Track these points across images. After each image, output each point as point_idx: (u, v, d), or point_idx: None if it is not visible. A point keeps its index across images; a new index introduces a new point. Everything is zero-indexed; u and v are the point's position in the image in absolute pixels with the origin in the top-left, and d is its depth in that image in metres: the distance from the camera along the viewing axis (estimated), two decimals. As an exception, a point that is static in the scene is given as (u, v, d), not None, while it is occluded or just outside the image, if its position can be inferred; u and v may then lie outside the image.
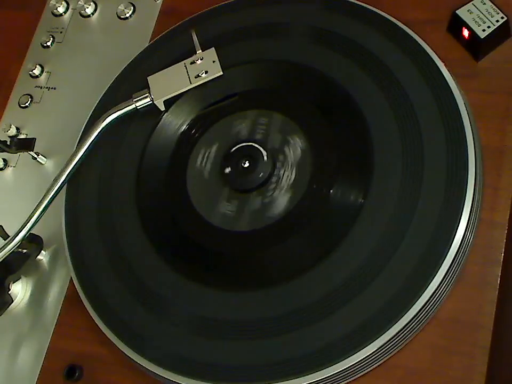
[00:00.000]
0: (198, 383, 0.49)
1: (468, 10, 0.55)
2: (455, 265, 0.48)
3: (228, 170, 0.56)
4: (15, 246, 0.55)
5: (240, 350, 0.49)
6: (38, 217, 0.56)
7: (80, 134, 0.62)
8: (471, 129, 0.50)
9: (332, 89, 0.56)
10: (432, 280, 0.46)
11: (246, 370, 0.49)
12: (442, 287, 0.47)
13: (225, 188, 0.56)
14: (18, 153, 0.66)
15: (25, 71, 0.71)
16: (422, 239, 0.48)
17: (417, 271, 0.47)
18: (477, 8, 0.55)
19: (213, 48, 0.59)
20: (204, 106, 0.60)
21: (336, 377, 0.47)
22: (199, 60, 0.59)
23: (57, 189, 0.57)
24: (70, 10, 0.73)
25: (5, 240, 0.56)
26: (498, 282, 0.48)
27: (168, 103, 0.59)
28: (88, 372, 0.55)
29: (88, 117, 0.63)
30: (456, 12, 0.55)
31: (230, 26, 0.62)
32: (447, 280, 0.47)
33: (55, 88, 0.70)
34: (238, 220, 0.54)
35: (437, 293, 0.47)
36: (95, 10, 0.72)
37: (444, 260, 0.47)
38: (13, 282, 0.59)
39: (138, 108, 0.59)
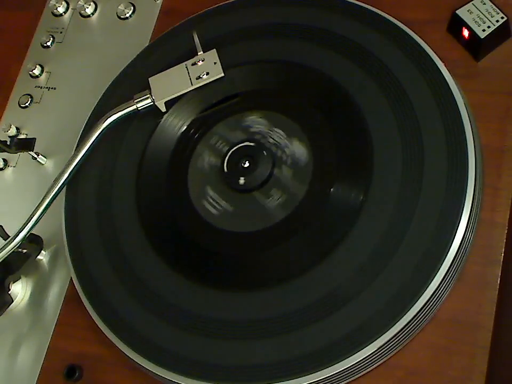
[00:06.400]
0: (198, 383, 0.49)
1: (468, 10, 0.55)
2: (455, 265, 0.48)
3: (228, 170, 0.56)
4: (15, 246, 0.55)
5: (240, 350, 0.49)
6: (38, 218, 0.56)
7: (80, 134, 0.62)
8: (471, 129, 0.50)
9: (332, 89, 0.56)
10: (432, 280, 0.47)
11: (246, 370, 0.49)
12: (442, 287, 0.47)
13: (226, 188, 0.56)
14: (18, 153, 0.66)
15: (25, 71, 0.71)
16: (422, 239, 0.48)
17: (417, 271, 0.47)
18: (477, 8, 0.55)
19: (214, 49, 0.59)
20: (205, 108, 0.60)
21: (336, 377, 0.47)
22: (200, 61, 0.59)
23: (57, 190, 0.57)
24: (70, 10, 0.73)
25: (5, 240, 0.56)
26: (498, 282, 0.48)
27: (169, 104, 0.59)
28: (88, 372, 0.55)
29: (88, 117, 0.63)
30: (456, 11, 0.55)
31: (230, 26, 0.62)
32: (447, 280, 0.47)
33: (55, 88, 0.70)
34: (239, 220, 0.54)
35: (437, 293, 0.47)
36: (95, 10, 0.72)
37: (444, 260, 0.47)
38: (13, 282, 0.59)
39: (139, 108, 0.59)
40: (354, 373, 0.48)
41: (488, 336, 0.47)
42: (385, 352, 0.47)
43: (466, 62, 0.56)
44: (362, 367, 0.48)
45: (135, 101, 0.58)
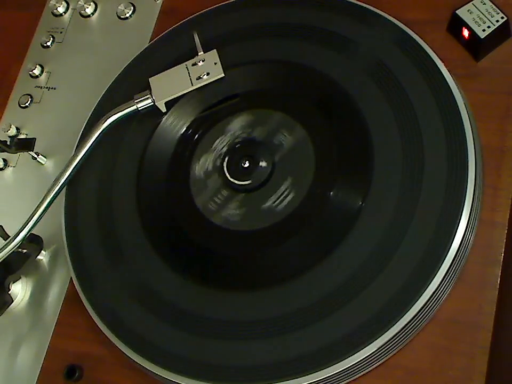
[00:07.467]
0: (198, 383, 0.49)
1: (468, 10, 0.55)
2: (455, 265, 0.48)
3: (228, 170, 0.56)
4: (15, 246, 0.55)
5: (239, 350, 0.49)
6: (38, 218, 0.56)
7: (80, 134, 0.62)
8: (471, 129, 0.50)
9: (332, 90, 0.56)
10: (432, 280, 0.47)
11: (246, 370, 0.49)
12: (442, 287, 0.47)
13: (226, 188, 0.56)
14: (18, 153, 0.66)
15: (25, 71, 0.71)
16: (422, 239, 0.48)
17: (417, 271, 0.47)
18: (477, 8, 0.55)
19: (215, 50, 0.59)
20: (205, 108, 0.60)
21: (336, 377, 0.47)
22: (200, 62, 0.59)
23: (57, 190, 0.57)
24: (70, 10, 0.73)
25: (5, 240, 0.56)
26: (498, 282, 0.48)
27: (169, 104, 0.59)
28: (88, 372, 0.56)
29: (88, 117, 0.63)
30: (456, 12, 0.55)
31: (230, 26, 0.62)
32: (447, 280, 0.47)
33: (55, 88, 0.70)
34: (239, 220, 0.54)
35: (437, 293, 0.47)
36: (95, 10, 0.72)
37: (444, 260, 0.47)
38: (13, 282, 0.59)
39: (139, 109, 0.59)
40: (354, 373, 0.48)
41: (488, 336, 0.47)
42: (385, 352, 0.47)
43: (466, 62, 0.56)
44: (362, 367, 0.48)
45: (135, 101, 0.58)
